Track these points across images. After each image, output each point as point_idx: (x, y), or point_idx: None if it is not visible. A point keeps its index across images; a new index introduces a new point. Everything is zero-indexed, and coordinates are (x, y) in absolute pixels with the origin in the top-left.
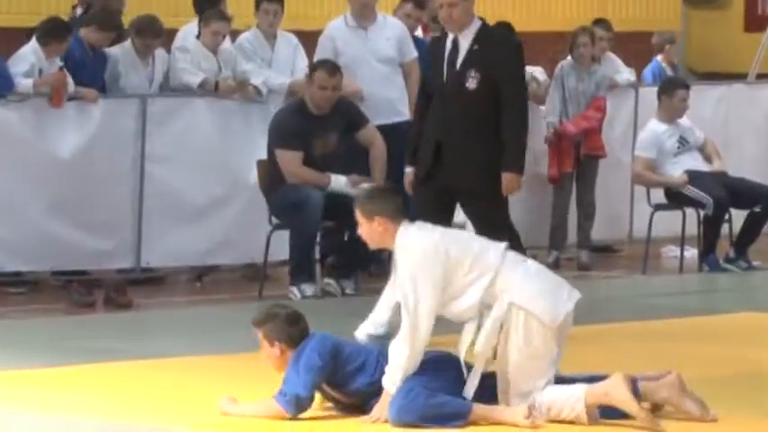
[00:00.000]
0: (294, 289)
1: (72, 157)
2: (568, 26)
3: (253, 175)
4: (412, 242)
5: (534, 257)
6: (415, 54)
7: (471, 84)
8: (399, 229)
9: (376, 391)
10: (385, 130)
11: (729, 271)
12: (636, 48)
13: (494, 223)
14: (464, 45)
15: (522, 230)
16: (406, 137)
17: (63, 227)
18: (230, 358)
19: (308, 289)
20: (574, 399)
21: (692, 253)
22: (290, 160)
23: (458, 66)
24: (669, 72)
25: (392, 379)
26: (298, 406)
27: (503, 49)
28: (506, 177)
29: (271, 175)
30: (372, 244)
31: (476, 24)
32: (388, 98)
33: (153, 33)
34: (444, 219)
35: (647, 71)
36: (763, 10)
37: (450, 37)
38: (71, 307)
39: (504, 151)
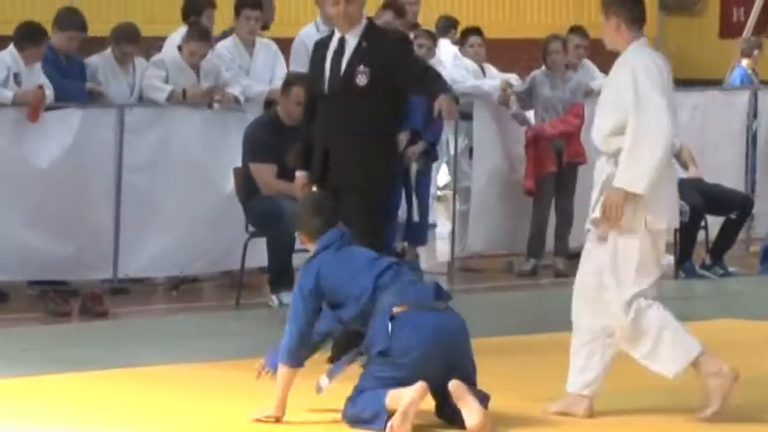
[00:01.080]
0: (274, 297)
1: (50, 166)
2: (544, 33)
3: (230, 184)
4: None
5: (511, 265)
6: None
7: (361, 80)
8: (634, 41)
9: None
10: None
11: (706, 278)
12: (613, 54)
13: (369, 221)
14: (351, 43)
15: (501, 237)
16: None
17: (41, 237)
18: (207, 366)
19: (287, 297)
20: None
21: (668, 260)
22: (264, 173)
23: (344, 64)
24: (754, 78)
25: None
26: (302, 296)
27: (396, 42)
28: (442, 99)
29: (246, 186)
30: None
31: (363, 22)
32: None
33: (128, 40)
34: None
35: (735, 76)
36: (738, 17)
37: (337, 36)
38: (47, 316)
39: (433, 81)
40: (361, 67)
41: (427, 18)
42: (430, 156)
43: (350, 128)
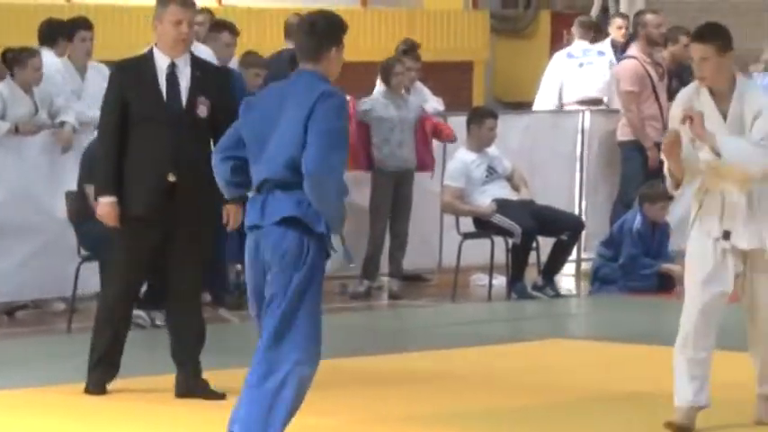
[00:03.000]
0: (143, 314)
1: None
2: (376, 57)
3: (61, 207)
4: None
5: (345, 287)
6: None
7: (202, 111)
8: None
9: None
10: None
11: (537, 298)
12: (444, 77)
13: (204, 251)
14: (185, 70)
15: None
16: None
17: None
18: (37, 392)
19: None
20: None
21: (500, 281)
22: None
23: (184, 92)
24: None
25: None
26: None
27: (222, 75)
28: (230, 209)
29: (80, 208)
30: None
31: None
32: None
33: None
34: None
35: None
36: (569, 40)
37: (167, 61)
38: None
39: None
40: (202, 98)
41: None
42: None
43: (194, 157)
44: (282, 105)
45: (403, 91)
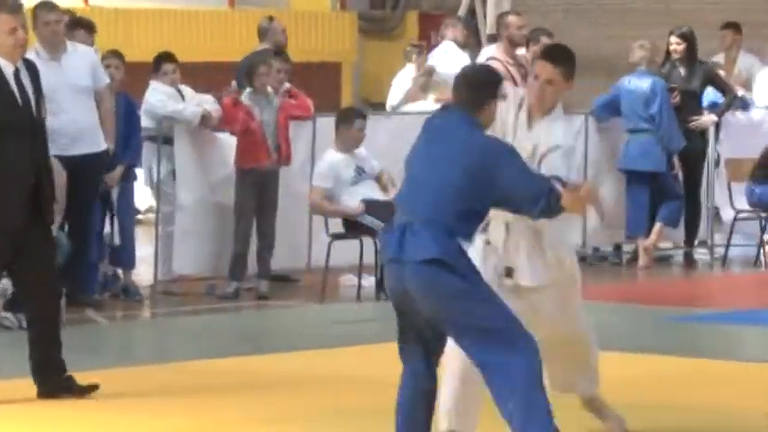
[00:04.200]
0: (10, 315)
1: None
2: (242, 56)
3: None
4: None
5: (213, 288)
6: (107, 80)
7: (43, 112)
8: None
9: None
10: (89, 159)
11: None
12: (312, 78)
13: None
14: (25, 74)
15: (205, 261)
16: (103, 165)
17: None
18: None
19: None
20: None
21: (369, 281)
22: None
23: (32, 97)
24: None
25: None
26: None
27: (37, 71)
28: None
29: None
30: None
31: None
32: (90, 127)
33: None
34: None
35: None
36: (436, 40)
37: (11, 67)
38: None
39: None
40: (42, 99)
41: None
42: (129, 178)
43: (46, 161)
44: (432, 140)
45: (270, 90)
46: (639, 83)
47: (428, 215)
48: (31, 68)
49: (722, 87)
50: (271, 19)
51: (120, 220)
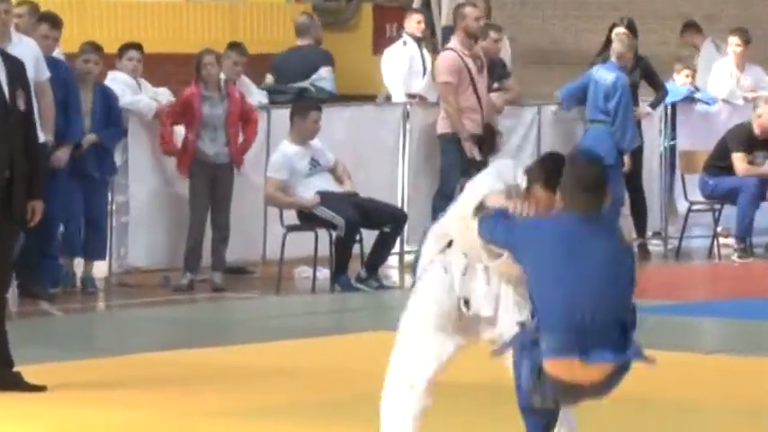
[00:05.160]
0: None
1: None
2: (200, 48)
3: None
4: None
5: (167, 279)
6: (48, 74)
7: (20, 104)
8: None
9: None
10: None
11: (361, 290)
12: (268, 69)
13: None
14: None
15: (160, 252)
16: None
17: None
18: None
19: None
20: None
21: (324, 273)
22: None
23: (5, 85)
24: None
25: None
26: None
27: (22, 66)
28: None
29: None
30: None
31: None
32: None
33: None
34: None
35: None
36: (391, 32)
37: None
38: None
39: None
40: (19, 90)
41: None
42: (106, 170)
43: (21, 155)
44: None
45: (223, 84)
46: (606, 75)
47: None
48: (9, 59)
49: (656, 83)
50: (309, 16)
51: (93, 210)
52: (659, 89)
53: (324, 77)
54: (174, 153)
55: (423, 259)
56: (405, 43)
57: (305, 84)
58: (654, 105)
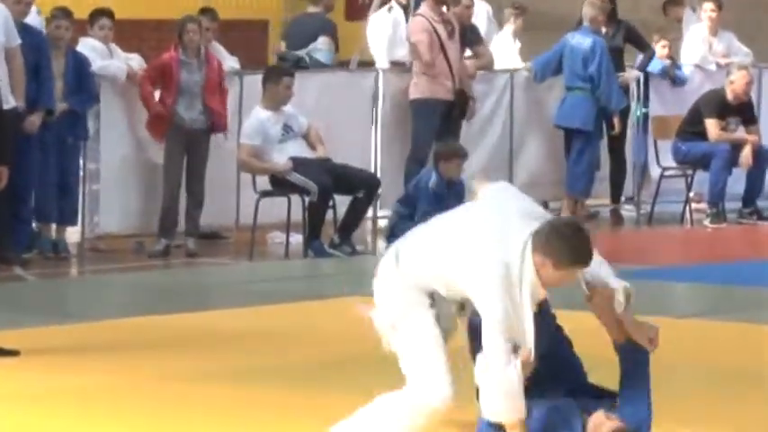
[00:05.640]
0: None
1: None
2: (173, 14)
3: None
4: None
5: (141, 245)
6: (18, 41)
7: None
8: None
9: None
10: None
11: (334, 256)
12: (240, 35)
13: None
14: None
15: (133, 218)
16: (11, 124)
17: None
18: None
19: None
20: None
21: (297, 239)
22: None
23: None
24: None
25: None
26: None
27: None
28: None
29: None
30: None
31: None
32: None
33: None
34: None
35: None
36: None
37: None
38: None
39: None
40: None
41: None
42: (79, 135)
43: None
44: None
45: (203, 50)
46: (582, 40)
47: None
48: None
49: (641, 44)
50: None
51: (65, 176)
52: (645, 49)
53: (320, 48)
54: (161, 114)
55: (396, 307)
56: (390, 9)
57: (302, 53)
58: (642, 67)
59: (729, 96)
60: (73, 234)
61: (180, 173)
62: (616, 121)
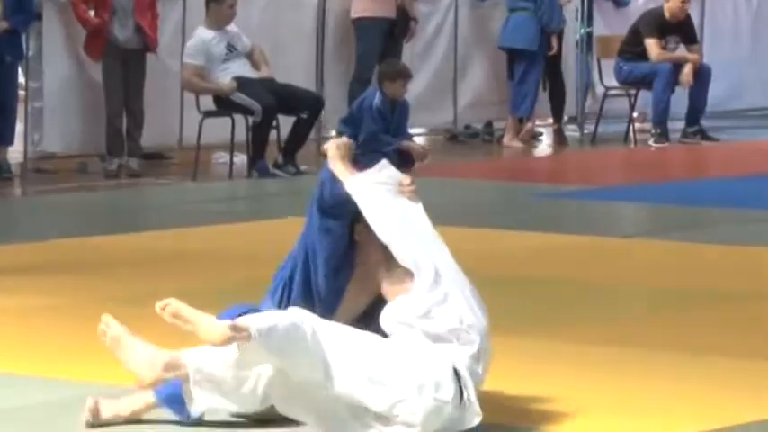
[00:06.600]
0: None
1: None
2: None
3: None
4: None
5: (85, 165)
6: None
7: None
8: None
9: None
10: None
11: (278, 176)
12: None
13: None
14: None
15: (76, 139)
16: None
17: None
18: None
19: None
20: None
21: (241, 159)
22: None
23: None
24: None
25: None
26: None
27: None
28: None
29: None
30: None
31: None
32: None
33: None
34: None
35: None
36: None
37: None
38: None
39: None
40: None
41: None
42: (14, 54)
43: None
44: None
45: None
46: None
47: None
48: None
49: None
50: None
51: (3, 95)
52: None
53: None
54: (98, 29)
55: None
56: None
57: None
58: None
59: (667, 14)
60: (15, 154)
61: (120, 92)
62: (554, 41)
